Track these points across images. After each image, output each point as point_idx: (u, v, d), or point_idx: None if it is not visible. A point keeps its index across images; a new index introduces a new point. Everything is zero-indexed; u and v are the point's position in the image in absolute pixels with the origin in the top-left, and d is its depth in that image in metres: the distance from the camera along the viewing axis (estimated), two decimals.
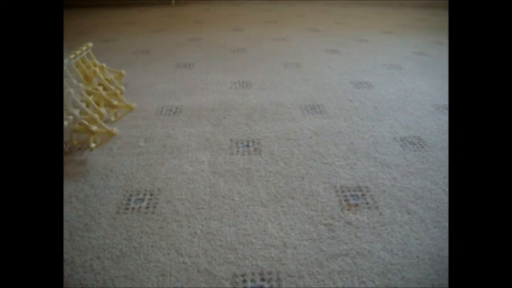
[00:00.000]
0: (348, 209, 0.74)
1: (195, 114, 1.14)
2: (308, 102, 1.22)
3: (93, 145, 0.91)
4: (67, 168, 0.87)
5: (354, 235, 0.68)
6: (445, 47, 1.88)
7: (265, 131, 1.03)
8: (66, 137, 0.98)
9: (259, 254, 0.64)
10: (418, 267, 0.61)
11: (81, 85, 0.93)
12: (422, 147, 0.96)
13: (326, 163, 0.89)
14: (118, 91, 1.06)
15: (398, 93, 1.30)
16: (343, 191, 0.79)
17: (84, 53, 1.05)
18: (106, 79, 1.08)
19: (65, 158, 0.91)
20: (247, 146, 0.96)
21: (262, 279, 0.59)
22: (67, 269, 0.61)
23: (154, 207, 0.75)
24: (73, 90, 0.89)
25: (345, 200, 0.77)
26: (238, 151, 0.94)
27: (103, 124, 0.93)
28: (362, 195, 0.78)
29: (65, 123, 0.85)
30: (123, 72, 1.11)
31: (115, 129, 0.94)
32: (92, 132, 0.90)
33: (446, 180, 0.83)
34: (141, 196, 0.78)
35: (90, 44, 1.07)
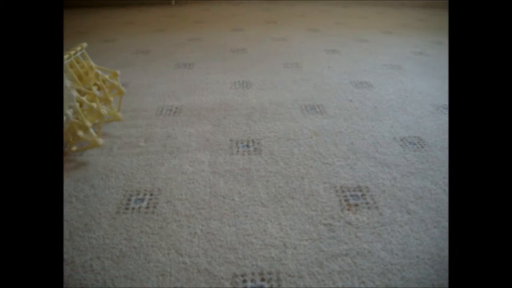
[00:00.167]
0: (348, 209, 0.74)
1: (195, 114, 1.14)
2: (308, 102, 1.22)
3: (74, 148, 0.93)
4: (67, 168, 0.87)
5: (354, 235, 0.68)
6: (445, 47, 1.88)
7: (265, 131, 1.03)
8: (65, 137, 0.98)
9: (259, 254, 0.64)
10: (418, 267, 0.61)
11: (70, 88, 0.93)
12: (422, 147, 0.96)
13: (326, 163, 0.89)
14: (111, 99, 1.05)
15: (398, 93, 1.30)
16: (343, 191, 0.79)
17: (79, 53, 1.04)
18: (102, 80, 1.08)
19: (65, 158, 0.91)
20: (247, 146, 0.96)
21: (262, 279, 0.59)
22: (67, 269, 0.61)
23: (154, 207, 0.75)
24: (66, 90, 0.89)
25: (345, 200, 0.77)
26: (238, 151, 0.94)
27: (92, 132, 0.93)
28: (362, 195, 0.78)
29: None
30: (118, 72, 1.11)
31: (101, 141, 0.93)
32: (78, 137, 0.91)
33: (446, 180, 0.83)
34: (141, 196, 0.78)
35: (85, 44, 1.07)
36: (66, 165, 0.89)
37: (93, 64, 1.08)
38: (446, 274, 0.60)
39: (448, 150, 0.95)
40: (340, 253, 0.64)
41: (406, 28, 2.30)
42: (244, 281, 0.59)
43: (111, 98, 1.05)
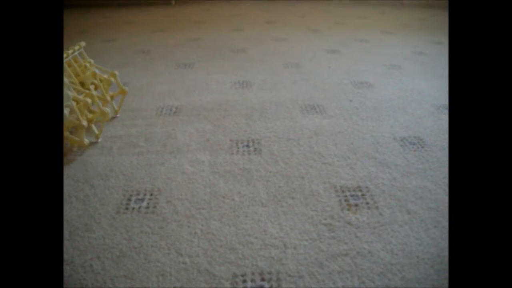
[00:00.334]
0: (348, 209, 0.74)
1: (195, 114, 1.14)
2: (308, 102, 1.22)
3: (86, 140, 0.93)
4: (67, 168, 0.87)
5: (354, 235, 0.68)
6: (445, 47, 1.88)
7: (265, 131, 1.03)
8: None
9: (259, 254, 0.64)
10: (418, 267, 0.61)
11: (68, 86, 0.93)
12: (422, 147, 0.96)
13: (326, 163, 0.89)
14: (108, 97, 1.06)
15: (398, 93, 1.30)
16: (343, 191, 0.79)
17: (76, 52, 1.04)
18: (100, 79, 1.08)
19: (65, 158, 0.91)
20: (247, 146, 0.96)
21: (262, 279, 0.59)
22: (67, 269, 0.61)
23: (154, 207, 0.75)
24: (64, 89, 0.89)
25: (345, 200, 0.77)
26: (238, 151, 0.94)
27: (84, 132, 0.93)
28: (362, 195, 0.78)
29: None
30: (116, 72, 1.11)
31: (86, 141, 0.94)
32: (82, 126, 0.91)
33: (446, 180, 0.83)
34: (141, 196, 0.78)
35: (83, 43, 1.07)
36: (66, 165, 0.89)
37: (91, 62, 1.08)
38: (446, 274, 0.60)
39: (448, 150, 0.95)
40: (340, 253, 0.64)
41: (406, 28, 2.30)
42: (244, 281, 0.59)
43: (108, 97, 1.05)
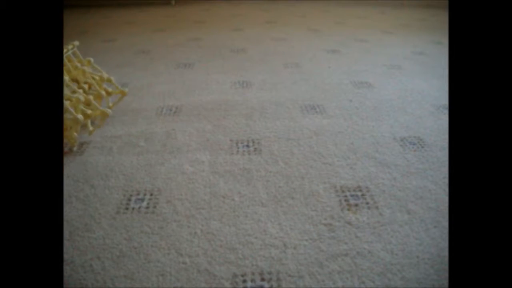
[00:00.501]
0: (348, 209, 0.74)
1: (195, 114, 1.14)
2: (308, 102, 1.22)
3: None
4: (67, 168, 0.87)
5: (354, 235, 0.68)
6: (445, 47, 1.88)
7: (265, 131, 1.03)
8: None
9: (259, 254, 0.64)
10: (418, 267, 0.61)
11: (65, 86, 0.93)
12: (422, 147, 0.96)
13: (326, 163, 0.89)
14: (103, 92, 1.06)
15: (398, 93, 1.30)
16: (343, 191, 0.79)
17: (70, 52, 1.05)
18: (93, 78, 1.08)
19: (65, 158, 0.91)
20: (247, 146, 0.96)
21: (262, 279, 0.59)
22: (67, 269, 0.61)
23: (154, 207, 0.75)
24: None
25: (345, 200, 0.77)
26: (238, 151, 0.94)
27: (74, 130, 0.93)
28: (362, 195, 0.78)
29: None
30: (112, 78, 1.12)
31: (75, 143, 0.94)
32: (78, 121, 0.92)
33: (446, 180, 0.83)
34: (141, 196, 0.78)
35: (76, 43, 1.07)
36: (66, 165, 0.89)
37: (90, 60, 1.08)
38: (446, 274, 0.60)
39: (448, 150, 0.95)
40: (340, 253, 0.64)
41: (406, 28, 2.30)
42: (244, 281, 0.59)
43: (103, 92, 1.05)
